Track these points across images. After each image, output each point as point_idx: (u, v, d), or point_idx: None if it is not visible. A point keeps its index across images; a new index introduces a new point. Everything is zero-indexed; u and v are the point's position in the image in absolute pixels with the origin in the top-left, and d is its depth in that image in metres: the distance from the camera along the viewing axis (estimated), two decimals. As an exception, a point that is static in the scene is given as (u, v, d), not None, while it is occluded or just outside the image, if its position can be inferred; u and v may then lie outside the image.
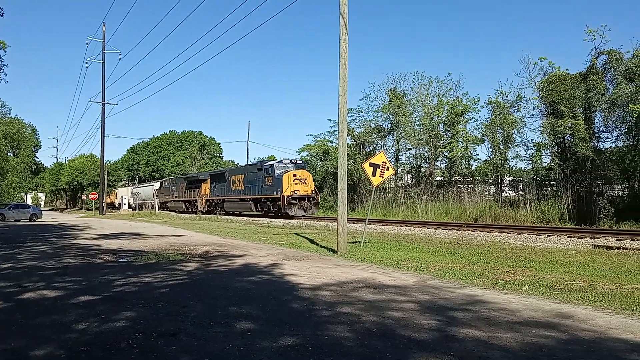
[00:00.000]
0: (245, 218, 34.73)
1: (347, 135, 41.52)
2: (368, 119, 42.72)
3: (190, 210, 49.00)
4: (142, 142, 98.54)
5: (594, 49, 26.18)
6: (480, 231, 18.90)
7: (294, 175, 33.10)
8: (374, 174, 14.04)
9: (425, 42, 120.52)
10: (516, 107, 31.40)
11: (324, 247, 13.84)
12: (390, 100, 40.11)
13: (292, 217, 32.17)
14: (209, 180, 45.69)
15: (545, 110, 27.92)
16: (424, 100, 38.82)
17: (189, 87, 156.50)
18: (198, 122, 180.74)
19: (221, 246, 14.10)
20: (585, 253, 12.01)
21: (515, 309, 6.05)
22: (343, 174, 12.65)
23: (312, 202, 33.23)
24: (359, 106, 45.19)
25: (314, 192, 33.65)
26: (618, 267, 9.55)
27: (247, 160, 63.74)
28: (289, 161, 35.41)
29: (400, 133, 39.63)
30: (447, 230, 19.59)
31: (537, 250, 12.73)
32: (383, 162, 14.12)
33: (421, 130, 38.22)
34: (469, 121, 37.63)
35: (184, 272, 9.09)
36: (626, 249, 12.56)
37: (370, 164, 14.11)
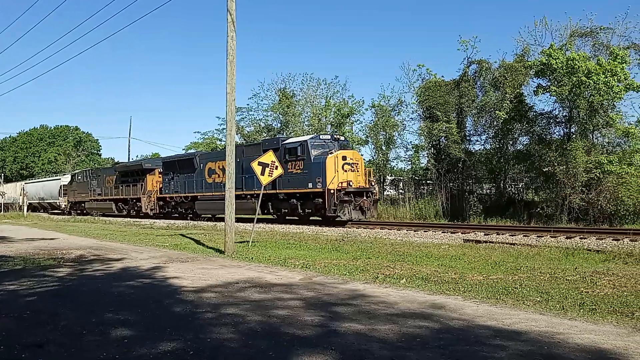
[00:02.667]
0: (126, 219, 32.68)
1: (236, 134, 41.24)
2: (258, 118, 42.67)
3: (127, 212, 35.69)
4: (9, 137, 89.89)
5: (467, 58, 28.42)
6: (364, 228, 19.64)
7: (344, 158, 21.25)
8: (262, 173, 14.02)
9: (315, 44, 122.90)
10: (397, 111, 33.11)
11: (210, 247, 13.56)
12: (279, 100, 40.36)
13: (344, 223, 21.27)
14: (158, 171, 33.03)
15: (423, 114, 29.80)
16: (313, 101, 39.57)
17: (63, 78, 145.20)
18: (74, 117, 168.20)
19: (98, 249, 13.26)
20: (457, 247, 12.95)
21: (394, 301, 6.35)
22: (231, 172, 12.48)
23: (371, 198, 21.84)
24: (248, 104, 44.86)
25: (372, 183, 22.55)
26: (485, 260, 10.41)
27: (129, 158, 59.66)
28: (329, 137, 23.23)
29: (290, 133, 40.04)
30: (334, 228, 20.12)
31: (415, 245, 13.50)
32: (272, 161, 14.15)
33: (310, 130, 38.91)
34: (355, 123, 39.01)
35: (55, 278, 8.41)
36: (493, 242, 13.74)
37: (259, 163, 14.08)
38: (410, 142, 33.00)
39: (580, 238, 14.32)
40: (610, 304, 6.15)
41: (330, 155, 21.19)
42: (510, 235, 15.58)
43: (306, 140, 22.27)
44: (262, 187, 14.96)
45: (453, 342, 4.54)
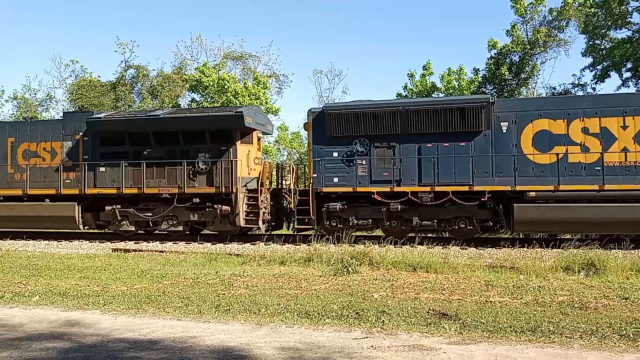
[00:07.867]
0: None
1: None
2: None
3: None
4: None
5: (125, 62, 27.71)
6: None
7: None
8: None
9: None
10: (45, 107, 30.00)
11: None
12: None
13: None
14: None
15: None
16: None
17: None
18: None
19: None
20: (104, 257, 12.35)
21: (19, 323, 5.59)
22: None
23: None
24: None
25: None
26: (132, 269, 10.19)
27: None
28: None
29: None
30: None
31: (57, 257, 12.31)
32: None
33: None
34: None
35: None
36: (142, 251, 13.59)
37: None
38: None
39: (224, 244, 15.44)
40: (242, 303, 6.79)
41: None
42: (160, 243, 15.70)
43: None
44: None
45: (83, 361, 4.23)
